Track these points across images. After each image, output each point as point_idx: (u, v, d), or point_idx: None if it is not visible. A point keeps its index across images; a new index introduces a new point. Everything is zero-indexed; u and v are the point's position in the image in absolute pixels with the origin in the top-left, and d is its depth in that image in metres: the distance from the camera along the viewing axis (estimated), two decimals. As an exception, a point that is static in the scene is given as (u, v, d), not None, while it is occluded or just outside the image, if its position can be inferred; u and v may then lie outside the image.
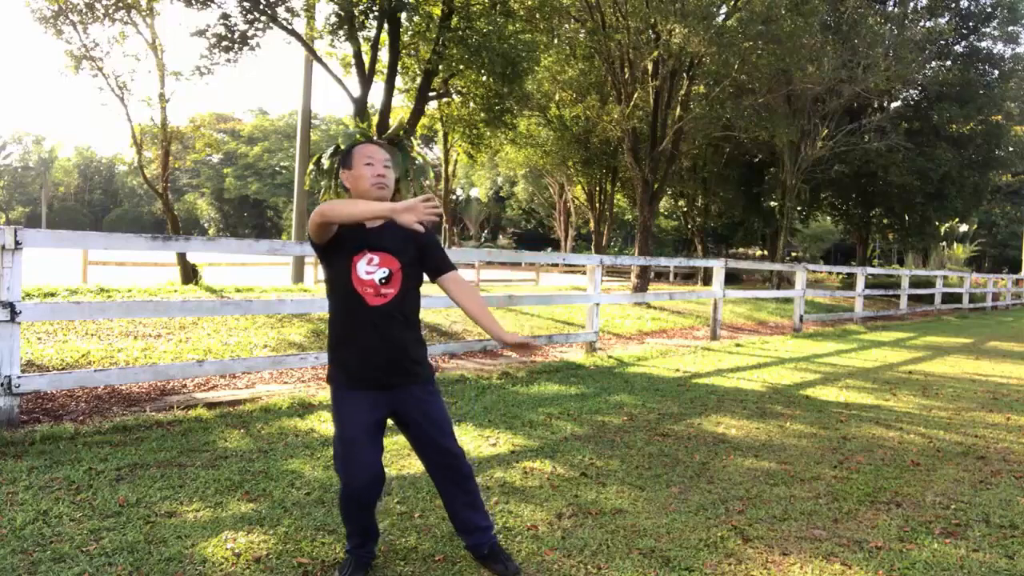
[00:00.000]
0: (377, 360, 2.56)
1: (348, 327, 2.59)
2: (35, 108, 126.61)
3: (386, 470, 3.89)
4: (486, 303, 2.64)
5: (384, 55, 12.57)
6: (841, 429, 5.41)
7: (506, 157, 24.87)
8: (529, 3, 13.79)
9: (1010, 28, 24.10)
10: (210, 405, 5.25)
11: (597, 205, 24.93)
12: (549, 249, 47.66)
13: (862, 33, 18.01)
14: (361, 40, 11.92)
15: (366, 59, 11.87)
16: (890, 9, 21.84)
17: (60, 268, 17.10)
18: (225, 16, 11.60)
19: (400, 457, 4.14)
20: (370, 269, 2.55)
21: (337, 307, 2.62)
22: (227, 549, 2.88)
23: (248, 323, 8.18)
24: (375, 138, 10.21)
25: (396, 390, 2.60)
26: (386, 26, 11.79)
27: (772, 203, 26.57)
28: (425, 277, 2.71)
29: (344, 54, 14.17)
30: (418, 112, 12.73)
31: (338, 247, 2.57)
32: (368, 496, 2.64)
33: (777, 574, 2.90)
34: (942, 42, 22.51)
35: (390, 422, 2.70)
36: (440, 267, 2.67)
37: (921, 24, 21.93)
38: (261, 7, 11.43)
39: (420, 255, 2.64)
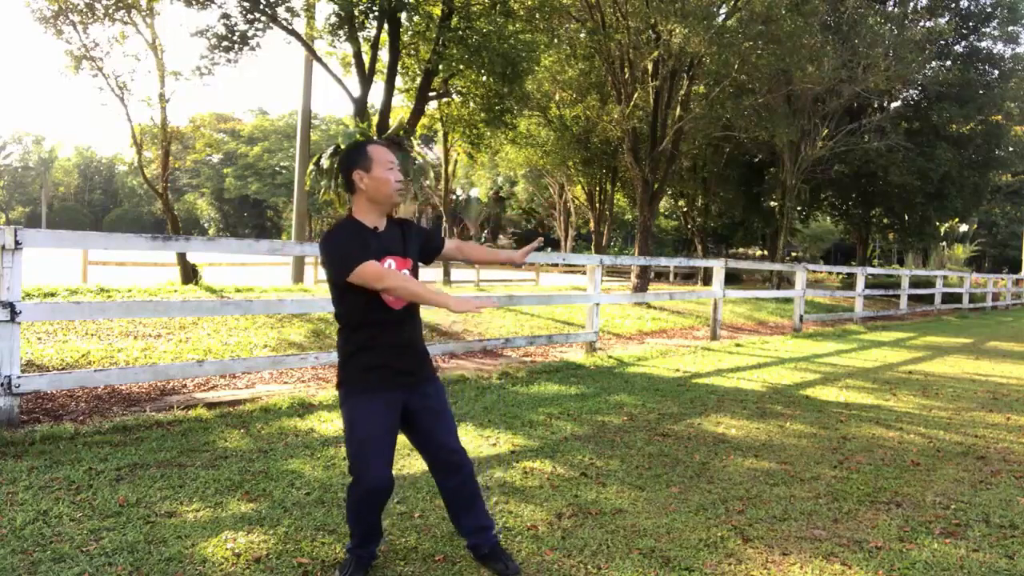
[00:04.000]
0: (400, 361, 2.66)
1: (373, 332, 2.61)
2: (35, 108, 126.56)
3: (386, 470, 3.89)
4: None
5: (384, 55, 12.56)
6: (841, 429, 5.41)
7: (506, 157, 24.81)
8: (529, 3, 13.78)
9: (1010, 28, 24.06)
10: (210, 405, 5.26)
11: (597, 205, 24.91)
12: (549, 249, 47.63)
13: (862, 33, 17.99)
14: (361, 40, 11.91)
15: (366, 59, 11.86)
16: (890, 9, 21.82)
17: (60, 268, 17.10)
18: (225, 16, 11.59)
19: (400, 457, 4.13)
20: None
21: (359, 315, 2.61)
22: (227, 549, 2.88)
23: (248, 323, 8.18)
24: (375, 138, 10.19)
25: (412, 389, 2.68)
26: (386, 26, 11.78)
27: (772, 203, 26.54)
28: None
29: (344, 54, 14.16)
30: (418, 112, 12.72)
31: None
32: (381, 496, 2.65)
33: (777, 574, 2.90)
34: (942, 42, 22.48)
35: None
36: (440, 244, 2.91)
37: (921, 24, 21.90)
38: (261, 7, 11.42)
39: (423, 246, 2.83)
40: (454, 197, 48.13)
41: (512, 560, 2.81)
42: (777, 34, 13.85)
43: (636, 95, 15.36)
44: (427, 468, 3.95)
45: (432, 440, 2.73)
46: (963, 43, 24.06)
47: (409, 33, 12.81)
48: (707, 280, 24.99)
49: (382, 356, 2.61)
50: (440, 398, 2.76)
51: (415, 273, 2.74)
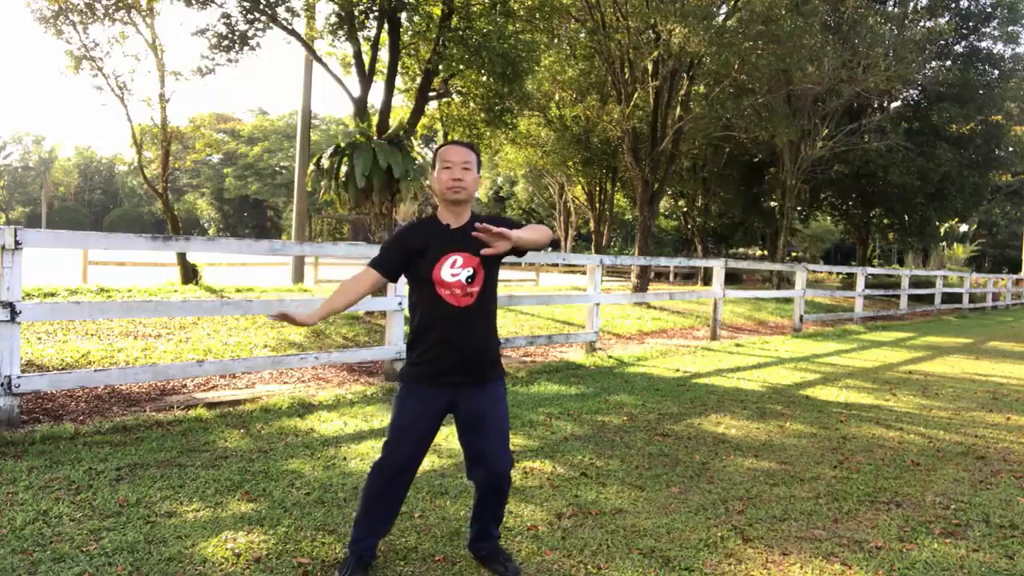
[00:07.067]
0: (447, 360, 2.61)
1: (430, 326, 2.63)
2: (35, 108, 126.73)
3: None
4: None
5: (384, 55, 12.55)
6: (841, 429, 5.41)
7: (506, 157, 24.81)
8: (529, 3, 13.77)
9: (1010, 28, 24.07)
10: (210, 405, 5.25)
11: (597, 205, 24.90)
12: (549, 249, 47.58)
13: (862, 33, 17.99)
14: (361, 40, 11.90)
15: (366, 59, 11.85)
16: (890, 9, 21.82)
17: (60, 268, 17.09)
18: (225, 16, 11.59)
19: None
20: (455, 271, 2.59)
21: (416, 305, 2.68)
22: (227, 549, 2.88)
23: (248, 323, 8.18)
24: (375, 138, 10.18)
25: (457, 389, 2.63)
26: (386, 26, 11.76)
27: (772, 203, 26.54)
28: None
29: (344, 54, 14.16)
30: (418, 112, 12.71)
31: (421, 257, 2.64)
32: (396, 473, 2.63)
33: (777, 574, 2.90)
34: (942, 42, 22.47)
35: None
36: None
37: (921, 24, 21.91)
38: (261, 7, 11.41)
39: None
40: (454, 197, 47.85)
41: (511, 560, 2.81)
42: (777, 34, 13.86)
43: (636, 95, 15.36)
44: (426, 469, 3.97)
45: (469, 446, 2.69)
46: (963, 43, 24.06)
47: (409, 33, 12.81)
48: (707, 280, 24.98)
49: (431, 351, 2.62)
50: (488, 405, 2.65)
51: (488, 271, 2.62)
